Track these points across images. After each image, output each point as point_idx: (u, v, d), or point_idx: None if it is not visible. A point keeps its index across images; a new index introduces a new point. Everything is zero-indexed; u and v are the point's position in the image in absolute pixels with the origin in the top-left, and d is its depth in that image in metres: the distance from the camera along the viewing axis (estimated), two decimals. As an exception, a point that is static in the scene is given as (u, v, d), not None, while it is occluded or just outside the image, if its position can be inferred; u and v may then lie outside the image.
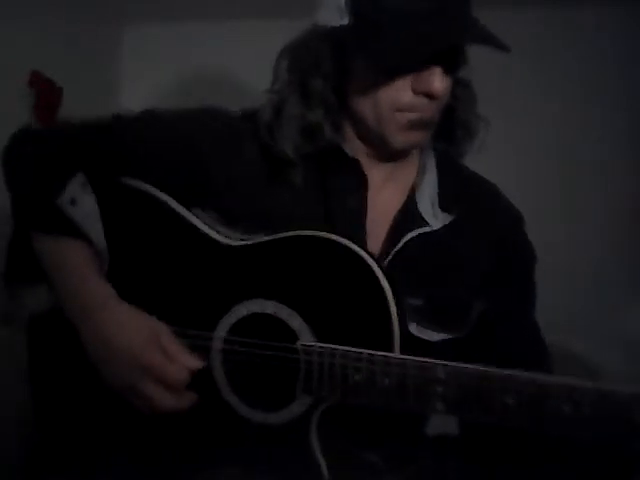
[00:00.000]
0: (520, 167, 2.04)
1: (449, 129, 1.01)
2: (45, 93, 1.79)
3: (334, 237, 0.86)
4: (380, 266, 0.84)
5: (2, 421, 1.26)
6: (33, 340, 1.04)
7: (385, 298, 0.82)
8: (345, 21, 0.88)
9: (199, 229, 0.95)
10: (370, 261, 0.84)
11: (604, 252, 1.97)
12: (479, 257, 0.99)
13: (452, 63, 0.91)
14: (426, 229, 0.96)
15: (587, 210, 2.01)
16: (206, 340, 0.92)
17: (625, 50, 1.97)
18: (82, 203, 0.94)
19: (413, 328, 0.91)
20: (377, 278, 0.83)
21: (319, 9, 0.92)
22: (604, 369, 1.68)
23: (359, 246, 0.85)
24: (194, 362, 0.90)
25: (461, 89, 0.99)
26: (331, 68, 0.93)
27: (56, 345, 1.01)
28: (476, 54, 2.08)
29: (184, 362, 0.89)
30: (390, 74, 0.88)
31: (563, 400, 0.73)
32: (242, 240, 0.93)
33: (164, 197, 0.97)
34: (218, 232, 0.95)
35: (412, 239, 0.95)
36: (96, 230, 0.95)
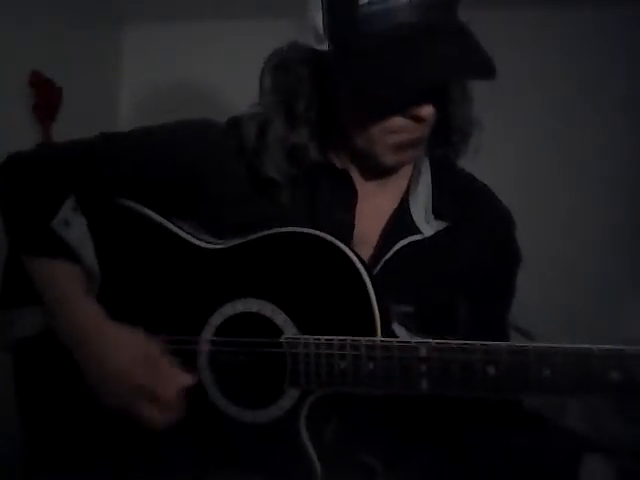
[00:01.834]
0: (520, 167, 2.04)
1: (445, 134, 1.00)
2: (45, 93, 1.80)
3: (311, 231, 0.87)
4: (353, 251, 0.85)
5: (2, 421, 1.26)
6: (20, 363, 1.04)
7: (363, 283, 0.83)
8: (324, 47, 0.87)
9: (180, 237, 0.96)
10: (343, 248, 0.85)
11: (604, 252, 1.97)
12: (470, 262, 0.99)
13: (442, 89, 0.90)
14: (417, 237, 0.96)
15: (587, 210, 2.01)
16: (193, 344, 0.93)
17: (625, 50, 1.97)
18: (74, 225, 0.96)
19: (403, 334, 0.91)
20: (352, 263, 0.84)
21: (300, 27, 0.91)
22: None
23: (335, 238, 0.86)
24: (186, 379, 0.91)
25: (456, 92, 0.98)
26: (314, 90, 0.92)
27: (44, 367, 1.02)
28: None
29: (176, 380, 0.90)
30: (376, 113, 0.87)
31: (543, 364, 0.75)
32: (222, 244, 0.94)
33: (148, 212, 0.99)
34: (199, 239, 0.96)
35: (403, 247, 0.95)
36: (88, 250, 0.98)
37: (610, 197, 2.01)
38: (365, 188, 0.99)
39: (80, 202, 0.98)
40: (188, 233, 0.97)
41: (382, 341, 0.82)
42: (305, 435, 0.86)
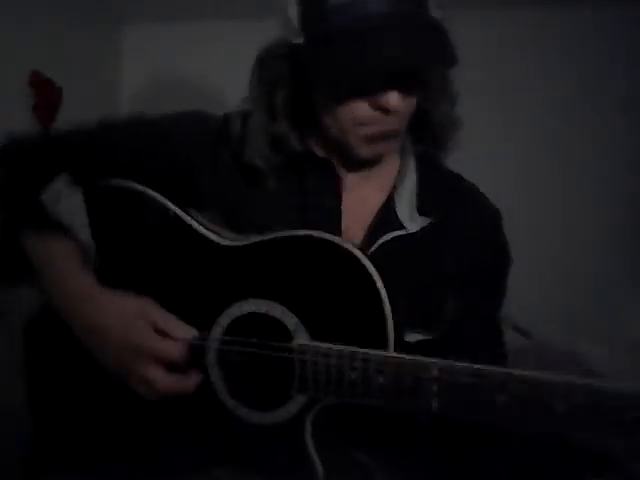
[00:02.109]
0: (520, 167, 2.04)
1: (425, 130, 1.01)
2: (45, 93, 1.80)
3: (328, 236, 0.86)
4: (374, 265, 0.84)
5: (2, 423, 1.26)
6: (30, 341, 1.05)
7: (379, 297, 0.83)
8: (300, 40, 0.89)
9: (195, 229, 0.96)
10: (365, 260, 0.84)
11: (604, 252, 1.97)
12: (456, 258, 0.99)
13: (409, 78, 0.89)
14: (401, 232, 0.96)
15: (587, 210, 2.02)
16: (202, 340, 0.92)
17: (625, 50, 1.97)
18: (66, 200, 0.97)
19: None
20: (371, 277, 0.83)
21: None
22: (604, 369, 1.68)
23: (353, 245, 0.86)
24: (186, 331, 0.90)
25: (435, 90, 0.98)
26: (291, 83, 0.94)
27: (52, 345, 1.02)
28: (476, 54, 2.08)
29: (176, 333, 0.89)
30: (342, 99, 0.89)
31: (557, 398, 0.73)
32: (236, 241, 0.94)
33: (157, 196, 0.98)
34: (213, 232, 0.95)
35: (386, 242, 0.96)
36: (81, 226, 0.97)
37: (610, 197, 2.01)
38: (349, 180, 1.00)
39: (77, 181, 0.99)
40: (201, 224, 0.96)
41: (395, 356, 0.81)
42: (309, 441, 0.86)
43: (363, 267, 0.83)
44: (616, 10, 1.95)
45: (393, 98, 0.87)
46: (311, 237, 0.87)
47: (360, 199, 1.00)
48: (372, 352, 0.81)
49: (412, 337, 0.92)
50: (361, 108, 0.89)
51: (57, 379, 1.02)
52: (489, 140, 2.02)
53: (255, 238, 0.91)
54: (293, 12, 0.90)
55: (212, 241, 0.94)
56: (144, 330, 0.89)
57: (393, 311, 0.82)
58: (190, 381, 0.90)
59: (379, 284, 0.83)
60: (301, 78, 0.93)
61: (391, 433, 0.95)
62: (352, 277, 0.84)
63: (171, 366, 0.89)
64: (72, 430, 1.00)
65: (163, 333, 0.89)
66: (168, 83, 2.18)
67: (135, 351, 0.88)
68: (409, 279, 0.94)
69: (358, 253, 0.84)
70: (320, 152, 0.99)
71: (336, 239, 0.86)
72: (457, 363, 0.78)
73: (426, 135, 1.01)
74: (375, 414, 0.88)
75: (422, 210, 0.98)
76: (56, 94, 1.84)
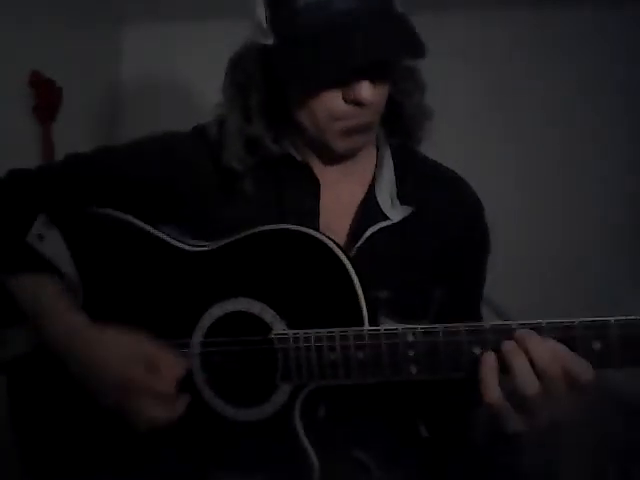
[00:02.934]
0: (520, 167, 2.04)
1: (399, 123, 1.03)
2: (45, 93, 1.80)
3: (294, 227, 0.89)
4: (336, 244, 0.87)
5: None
6: (14, 382, 1.04)
7: (348, 275, 0.85)
8: (270, 41, 0.90)
9: (164, 240, 0.97)
10: (327, 241, 0.87)
11: (604, 252, 1.97)
12: (441, 246, 1.01)
13: (380, 70, 0.91)
14: (387, 223, 0.98)
15: (587, 210, 2.02)
16: (184, 347, 0.93)
17: (625, 50, 1.97)
18: (49, 239, 0.98)
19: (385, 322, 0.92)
20: (337, 256, 0.85)
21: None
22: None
23: (315, 231, 0.88)
24: (179, 367, 0.91)
25: (406, 82, 1.00)
26: (264, 84, 0.96)
27: (39, 385, 1.02)
28: (475, 54, 2.07)
29: (169, 369, 0.90)
30: (315, 93, 0.90)
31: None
32: (207, 246, 0.95)
33: (127, 217, 1.00)
34: (183, 242, 0.97)
35: (373, 234, 0.98)
36: (66, 262, 0.99)
37: (610, 197, 2.01)
38: (328, 178, 1.01)
39: (52, 217, 1.00)
40: (171, 237, 0.98)
41: (369, 330, 0.83)
42: (301, 430, 0.87)
43: (330, 250, 0.86)
44: (616, 10, 1.95)
45: (365, 89, 0.88)
46: (277, 230, 0.90)
47: (340, 196, 1.01)
48: (349, 329, 0.83)
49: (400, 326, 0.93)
50: (336, 103, 0.91)
51: (43, 407, 1.02)
52: (489, 140, 2.03)
53: (225, 240, 0.93)
54: (261, 13, 0.91)
55: (184, 250, 0.96)
56: (138, 365, 0.89)
57: (364, 288, 0.85)
58: (177, 408, 0.91)
59: (347, 265, 0.85)
60: (274, 78, 0.95)
61: (379, 417, 0.97)
62: (321, 262, 0.87)
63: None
64: (60, 447, 1.00)
65: (156, 370, 0.89)
66: (168, 83, 2.18)
67: (129, 385, 0.89)
68: (397, 269, 0.96)
69: (324, 238, 0.87)
70: (297, 154, 1.00)
71: (302, 228, 0.88)
72: (430, 326, 0.81)
73: (399, 127, 1.03)
74: (362, 398, 0.90)
75: (403, 199, 1.00)
76: (56, 94, 1.84)
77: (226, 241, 0.93)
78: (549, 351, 0.74)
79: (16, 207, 1.00)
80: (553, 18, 2.00)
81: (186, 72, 2.13)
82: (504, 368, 0.76)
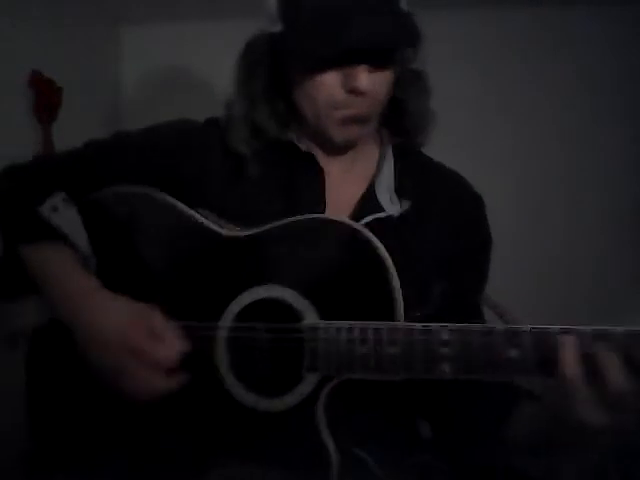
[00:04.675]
0: (520, 167, 2.04)
1: (401, 124, 1.05)
2: (45, 93, 1.80)
3: (331, 217, 0.90)
4: (375, 237, 0.87)
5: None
6: (32, 351, 1.05)
7: (386, 269, 0.85)
8: (278, 28, 0.94)
9: (200, 222, 0.97)
10: (366, 233, 0.87)
11: (604, 252, 1.97)
12: (440, 241, 1.01)
13: (381, 59, 0.93)
14: (381, 214, 0.99)
15: (587, 210, 2.02)
16: (212, 330, 0.92)
17: (625, 50, 1.97)
18: (63, 211, 0.99)
19: None
20: (375, 249, 0.86)
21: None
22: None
23: (356, 223, 0.89)
24: (182, 342, 0.90)
25: (410, 83, 1.02)
26: (270, 72, 0.98)
27: (54, 354, 1.02)
28: (476, 54, 2.07)
29: (172, 340, 0.90)
30: (309, 70, 0.93)
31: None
32: (241, 232, 0.95)
33: (160, 195, 1.00)
34: (218, 225, 0.97)
35: (368, 224, 0.97)
36: (79, 235, 0.99)
37: (610, 197, 2.01)
38: (330, 171, 1.03)
39: (71, 195, 1.01)
40: (205, 218, 0.98)
41: (405, 325, 0.83)
42: (323, 422, 0.86)
43: (369, 242, 0.87)
44: (616, 10, 1.95)
45: (362, 76, 0.91)
46: (314, 219, 0.91)
47: (341, 189, 1.03)
48: (383, 323, 0.83)
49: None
50: (335, 91, 0.93)
51: (56, 383, 1.02)
52: (489, 140, 2.03)
53: (261, 227, 0.94)
54: (273, 2, 0.95)
55: (219, 233, 0.96)
56: (141, 332, 0.89)
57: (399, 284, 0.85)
58: (176, 381, 0.90)
59: (386, 258, 0.86)
60: (280, 65, 0.97)
61: (381, 415, 0.96)
62: (358, 254, 0.87)
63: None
64: (73, 431, 1.00)
65: (159, 339, 0.89)
66: (168, 83, 2.18)
67: (130, 351, 0.89)
68: (397, 264, 0.96)
69: (362, 229, 0.88)
70: (302, 144, 1.02)
71: (339, 218, 0.90)
72: (465, 325, 0.80)
73: (402, 128, 1.05)
74: (386, 393, 0.90)
75: (401, 193, 1.02)
76: (56, 94, 1.84)
77: (262, 228, 0.93)
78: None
79: (34, 184, 1.01)
80: (553, 18, 2.00)
81: (186, 72, 2.13)
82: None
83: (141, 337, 0.89)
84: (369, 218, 0.98)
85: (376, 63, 0.92)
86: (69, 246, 0.98)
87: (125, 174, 1.03)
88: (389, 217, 0.99)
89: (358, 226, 0.89)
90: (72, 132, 1.85)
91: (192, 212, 0.98)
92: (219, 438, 0.92)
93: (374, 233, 0.96)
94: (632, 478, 1.08)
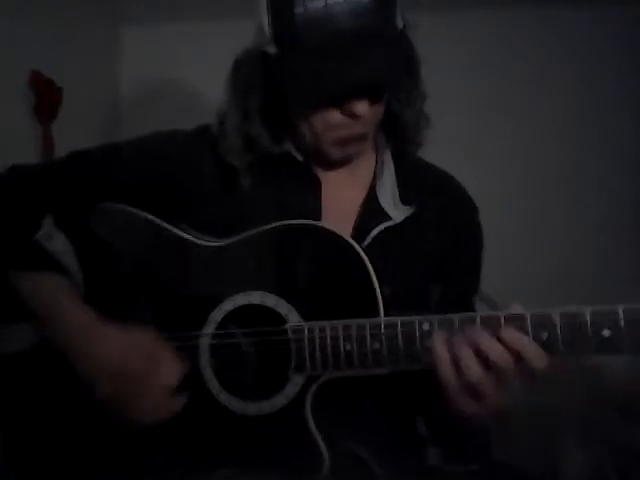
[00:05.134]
0: (520, 167, 2.04)
1: (397, 130, 1.05)
2: (45, 93, 1.80)
3: (310, 223, 0.91)
4: (350, 238, 0.89)
5: None
6: (6, 379, 1.04)
7: (366, 268, 0.86)
8: (272, 50, 0.93)
9: (179, 235, 0.98)
10: (344, 235, 0.89)
11: (604, 252, 1.97)
12: (440, 245, 1.03)
13: (378, 91, 0.94)
14: (390, 223, 1.00)
15: (587, 210, 2.02)
16: (194, 339, 0.93)
17: (625, 50, 1.97)
18: (56, 238, 1.00)
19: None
20: (354, 249, 0.87)
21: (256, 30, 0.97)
22: (604, 368, 1.68)
23: (331, 226, 0.90)
24: (180, 363, 0.91)
25: (408, 92, 1.02)
26: (264, 88, 0.98)
27: (32, 382, 1.01)
28: (475, 54, 2.07)
29: (170, 363, 0.90)
30: (314, 109, 0.93)
31: (541, 328, 0.78)
32: (220, 241, 0.96)
33: (138, 211, 1.00)
34: (196, 237, 0.98)
35: (379, 234, 0.99)
36: (72, 262, 1.00)
37: (610, 197, 2.01)
38: (327, 179, 1.03)
39: (57, 217, 1.01)
40: (184, 231, 0.99)
41: (386, 320, 0.84)
42: (312, 422, 0.87)
43: (347, 244, 0.88)
44: (616, 10, 1.95)
45: (361, 107, 0.92)
46: (293, 225, 0.92)
47: (340, 197, 1.03)
48: (365, 320, 0.85)
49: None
50: (332, 114, 0.94)
51: (36, 404, 1.01)
52: (489, 140, 2.03)
53: (239, 235, 0.94)
54: (264, 20, 0.92)
55: (197, 244, 0.97)
56: (140, 359, 0.90)
57: (379, 283, 0.86)
58: (176, 405, 0.91)
59: (364, 258, 0.87)
60: (274, 84, 0.97)
61: (378, 412, 0.97)
62: (338, 256, 0.89)
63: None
64: (56, 446, 0.99)
65: (159, 363, 0.90)
66: (168, 83, 2.18)
67: (130, 379, 0.89)
68: (398, 267, 0.98)
69: (340, 232, 0.89)
70: (297, 154, 1.02)
71: (318, 223, 0.92)
72: (446, 315, 0.82)
73: (397, 133, 1.05)
74: (372, 389, 0.91)
75: (404, 199, 1.03)
76: (56, 94, 1.84)
77: (240, 236, 0.94)
78: (499, 344, 0.77)
79: (21, 205, 1.01)
80: (553, 18, 2.00)
81: (186, 72, 2.13)
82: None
83: (141, 363, 0.90)
84: (381, 227, 0.99)
85: (375, 96, 0.94)
86: (63, 273, 0.99)
87: (109, 188, 1.02)
88: (396, 224, 1.00)
89: (334, 228, 0.90)
90: (72, 132, 1.85)
91: (169, 226, 0.99)
92: (212, 446, 0.92)
93: (380, 239, 0.99)
94: (632, 478, 1.08)
